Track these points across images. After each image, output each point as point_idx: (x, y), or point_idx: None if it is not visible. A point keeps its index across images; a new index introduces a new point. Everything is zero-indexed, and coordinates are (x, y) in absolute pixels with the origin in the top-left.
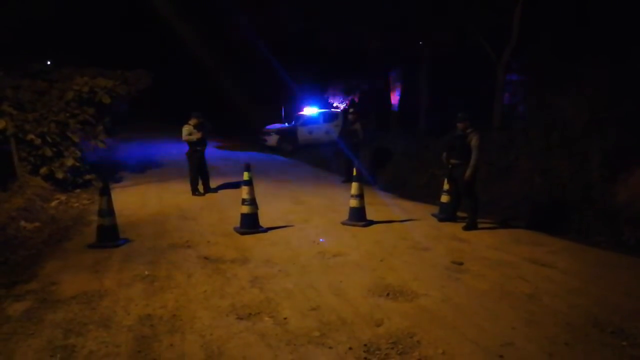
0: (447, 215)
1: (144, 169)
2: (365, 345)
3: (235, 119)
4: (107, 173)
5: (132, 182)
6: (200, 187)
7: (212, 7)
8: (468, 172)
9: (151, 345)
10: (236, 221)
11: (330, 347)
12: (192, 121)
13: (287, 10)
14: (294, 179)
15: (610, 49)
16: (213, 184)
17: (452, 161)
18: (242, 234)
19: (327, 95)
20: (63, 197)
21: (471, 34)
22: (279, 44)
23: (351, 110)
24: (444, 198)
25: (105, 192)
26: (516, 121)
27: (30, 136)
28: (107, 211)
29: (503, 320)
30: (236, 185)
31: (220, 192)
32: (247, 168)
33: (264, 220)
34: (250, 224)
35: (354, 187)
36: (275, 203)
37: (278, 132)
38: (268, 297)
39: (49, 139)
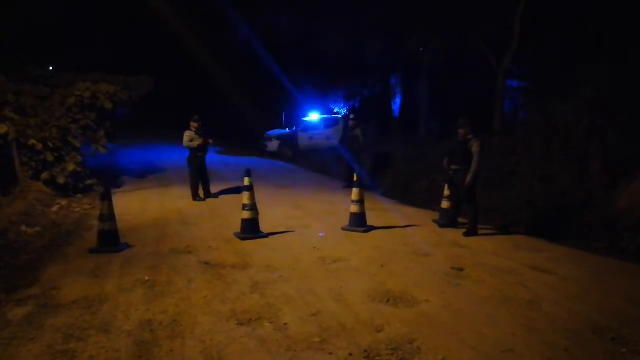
0: (447, 221)
1: (145, 174)
2: (365, 351)
3: (236, 124)
4: (108, 178)
5: (133, 187)
6: (201, 193)
7: (213, 12)
8: (469, 178)
9: (151, 351)
10: (237, 226)
11: (330, 353)
12: (193, 125)
13: (288, 15)
14: (294, 184)
15: (611, 54)
16: (214, 189)
17: (453, 167)
18: (243, 239)
19: (328, 101)
20: (64, 202)
21: (471, 40)
22: (280, 49)
23: (352, 116)
24: (445, 204)
25: (107, 197)
26: (516, 127)
27: (32, 141)
28: (108, 216)
29: (503, 326)
30: (237, 191)
31: (221, 197)
32: (248, 173)
33: (264, 226)
34: (251, 229)
35: (355, 192)
36: (275, 208)
37: (279, 137)
38: (268, 303)
39: (50, 144)
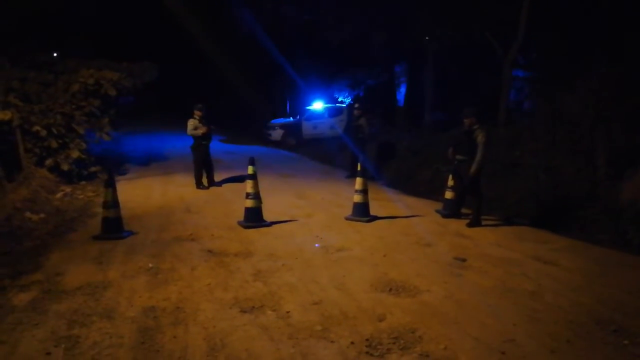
0: (451, 211)
1: (149, 161)
2: (367, 339)
3: (240, 112)
4: (112, 165)
5: (137, 174)
6: (205, 181)
7: (217, 0)
8: (473, 168)
9: (154, 337)
10: (240, 215)
11: (332, 341)
12: (197, 114)
13: (292, 3)
14: (298, 173)
15: (618, 45)
16: (217, 177)
17: (458, 157)
18: (246, 227)
19: (332, 90)
20: (68, 189)
21: (477, 29)
22: (284, 37)
23: (356, 105)
24: (448, 194)
25: (111, 184)
26: (522, 117)
27: (36, 128)
28: (112, 203)
29: (505, 316)
30: (240, 179)
31: (225, 185)
32: (252, 162)
33: (267, 214)
34: (254, 217)
35: (358, 182)
36: (279, 197)
37: (282, 126)
38: (271, 291)
39: (54, 131)
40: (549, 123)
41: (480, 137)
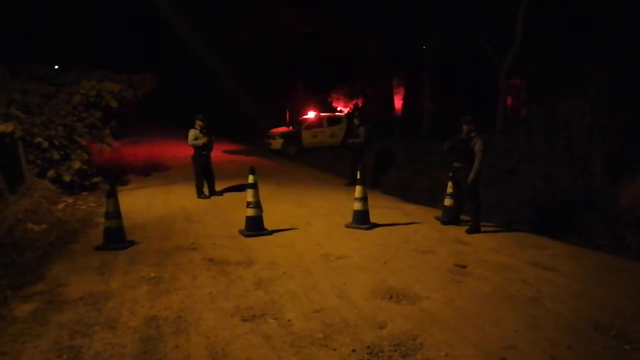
0: (450, 218)
1: (150, 171)
2: (368, 347)
3: (240, 122)
4: (113, 176)
5: (138, 184)
6: (206, 190)
7: (216, 10)
8: (471, 176)
9: (156, 347)
10: (241, 224)
11: (333, 349)
12: (198, 124)
13: (291, 14)
14: (298, 182)
15: (613, 52)
16: (218, 187)
17: (456, 164)
18: (247, 236)
19: (330, 99)
20: (70, 200)
21: (473, 38)
22: (283, 47)
23: (356, 114)
24: (447, 201)
25: (112, 195)
26: (518, 124)
27: (38, 139)
28: (114, 213)
29: (505, 323)
30: (241, 188)
31: (226, 195)
32: (252, 171)
33: (268, 223)
34: (255, 226)
35: (358, 190)
36: (279, 206)
37: (282, 135)
38: (272, 299)
39: (56, 142)
40: (546, 130)
41: (478, 145)
